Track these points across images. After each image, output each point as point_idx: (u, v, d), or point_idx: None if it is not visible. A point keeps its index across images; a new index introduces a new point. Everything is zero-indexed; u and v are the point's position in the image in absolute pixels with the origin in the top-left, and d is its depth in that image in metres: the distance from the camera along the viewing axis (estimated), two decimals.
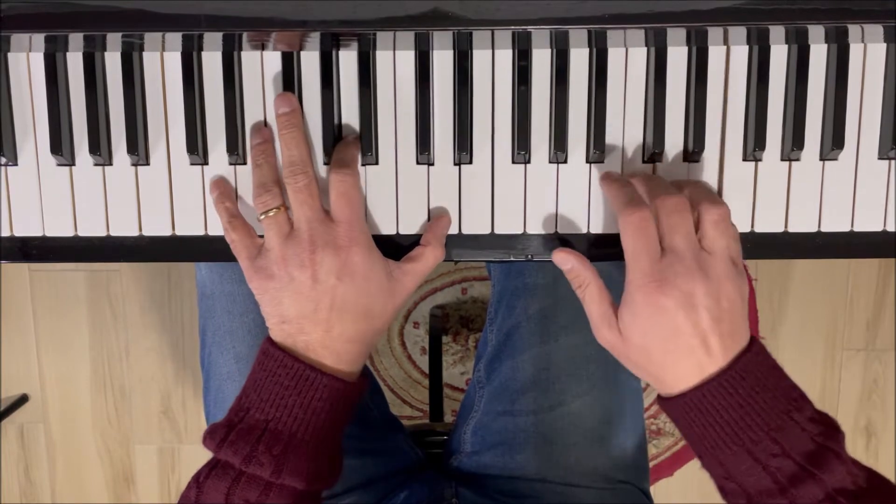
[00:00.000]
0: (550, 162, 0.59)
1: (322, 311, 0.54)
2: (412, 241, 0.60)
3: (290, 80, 0.58)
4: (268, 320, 0.56)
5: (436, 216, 0.60)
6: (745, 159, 0.59)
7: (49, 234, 0.60)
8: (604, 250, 0.59)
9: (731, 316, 0.51)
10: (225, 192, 0.59)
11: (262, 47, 0.58)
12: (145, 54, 0.59)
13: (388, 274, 0.56)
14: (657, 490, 1.56)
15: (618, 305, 0.54)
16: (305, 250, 0.54)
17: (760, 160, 0.59)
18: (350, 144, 0.58)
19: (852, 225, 0.60)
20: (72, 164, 0.60)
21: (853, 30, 0.55)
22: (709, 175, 0.59)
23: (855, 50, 0.58)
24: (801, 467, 0.48)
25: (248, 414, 0.53)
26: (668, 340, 0.51)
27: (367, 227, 0.56)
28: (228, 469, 0.52)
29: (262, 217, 0.55)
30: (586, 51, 0.58)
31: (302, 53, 0.58)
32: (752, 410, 0.49)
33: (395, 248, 0.60)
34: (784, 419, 0.49)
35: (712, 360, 0.51)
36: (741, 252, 0.54)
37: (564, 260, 0.57)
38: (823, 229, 0.60)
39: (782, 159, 0.59)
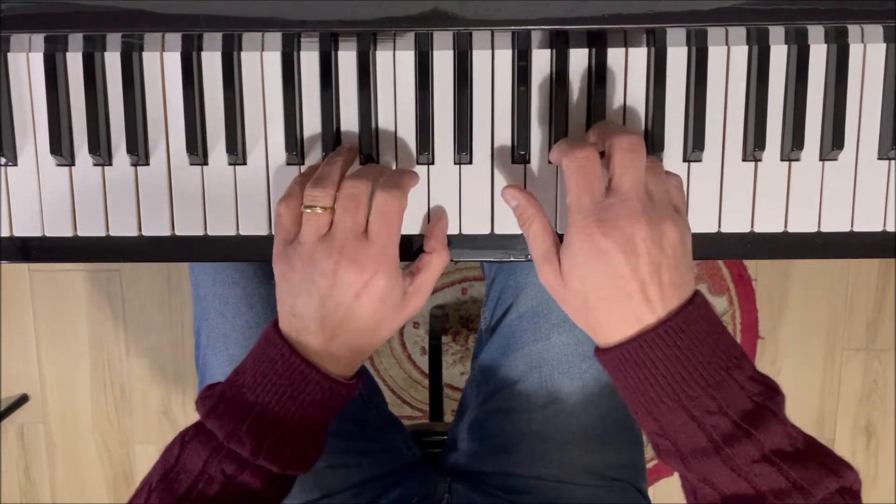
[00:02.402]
0: (550, 162, 0.59)
1: (332, 321, 0.54)
2: (413, 242, 0.60)
3: (289, 80, 0.58)
4: (280, 306, 0.56)
5: (434, 218, 0.60)
6: (745, 159, 0.59)
7: (49, 234, 0.60)
8: None
9: (674, 263, 0.49)
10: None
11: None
12: (145, 54, 0.59)
13: (403, 292, 0.56)
14: (657, 490, 1.56)
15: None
16: (332, 259, 0.53)
17: (760, 160, 0.59)
18: (409, 174, 0.58)
19: (852, 225, 0.60)
20: (71, 164, 0.60)
21: (853, 30, 0.55)
22: (709, 175, 0.59)
23: (855, 50, 0.58)
24: (738, 426, 0.46)
25: (240, 391, 0.54)
26: (605, 285, 0.49)
27: (397, 252, 0.55)
28: (212, 439, 0.53)
29: (306, 210, 0.54)
30: (586, 51, 0.58)
31: (302, 53, 0.58)
32: (690, 365, 0.47)
33: None
34: (723, 376, 0.47)
35: (651, 310, 0.49)
36: (684, 197, 0.54)
37: (512, 196, 0.56)
38: (823, 229, 0.60)
39: (782, 159, 0.59)
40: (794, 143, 0.58)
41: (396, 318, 0.57)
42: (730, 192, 0.59)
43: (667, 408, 0.48)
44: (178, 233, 0.60)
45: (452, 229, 0.60)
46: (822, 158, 0.59)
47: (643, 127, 0.59)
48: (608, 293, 0.49)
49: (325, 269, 0.53)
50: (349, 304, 0.54)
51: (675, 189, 0.53)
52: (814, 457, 0.47)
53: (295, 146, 0.58)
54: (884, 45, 0.58)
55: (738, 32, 0.56)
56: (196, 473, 0.52)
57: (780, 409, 0.48)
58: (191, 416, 1.55)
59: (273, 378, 0.54)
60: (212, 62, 0.58)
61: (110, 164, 0.60)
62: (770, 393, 0.48)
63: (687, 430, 0.48)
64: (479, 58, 0.58)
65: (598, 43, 0.57)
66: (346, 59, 0.58)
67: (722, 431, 0.47)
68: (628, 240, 0.48)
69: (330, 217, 0.54)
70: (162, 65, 0.59)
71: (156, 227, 0.60)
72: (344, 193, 0.54)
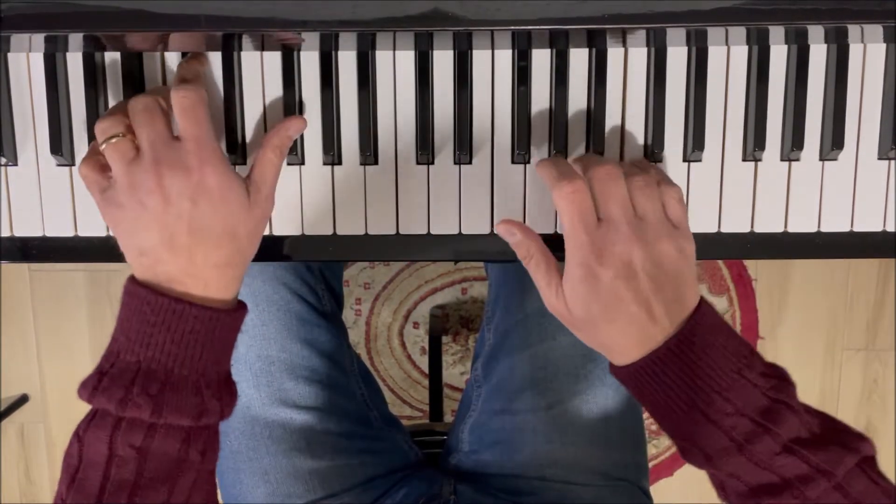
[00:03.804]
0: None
1: (180, 238, 0.50)
2: (412, 242, 0.60)
3: (290, 80, 0.58)
4: (127, 256, 0.53)
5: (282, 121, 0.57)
6: (744, 159, 0.59)
7: (49, 234, 0.60)
8: None
9: (674, 279, 0.51)
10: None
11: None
12: (145, 54, 0.59)
13: (245, 190, 0.53)
14: (657, 490, 1.56)
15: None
16: (151, 174, 0.50)
17: (760, 160, 0.59)
18: (191, 61, 0.56)
19: (852, 225, 0.60)
20: (72, 164, 0.60)
21: (853, 30, 0.55)
22: (709, 175, 0.59)
23: (855, 50, 0.58)
24: (756, 423, 0.48)
25: (118, 358, 0.50)
26: (610, 310, 0.50)
27: (218, 145, 0.52)
28: (107, 416, 0.49)
29: (104, 146, 0.51)
30: (586, 51, 0.58)
31: (302, 53, 0.58)
32: (702, 372, 0.49)
33: (395, 248, 0.60)
34: (735, 378, 0.49)
35: (659, 328, 0.50)
36: (683, 209, 0.54)
37: (509, 231, 0.56)
38: (823, 229, 0.60)
39: (782, 159, 0.59)
40: (794, 143, 0.58)
41: (249, 219, 0.53)
42: (730, 192, 0.59)
43: (686, 415, 0.50)
44: None
45: (452, 229, 0.60)
46: (822, 158, 0.59)
47: (643, 127, 0.59)
48: (613, 316, 0.51)
49: (150, 186, 0.50)
50: (189, 212, 0.50)
51: (674, 202, 0.53)
52: (831, 437, 0.49)
53: (295, 146, 0.58)
54: (884, 45, 0.58)
55: (738, 32, 0.56)
56: (104, 461, 0.49)
57: (794, 398, 0.50)
58: None
59: (147, 329, 0.49)
60: (212, 62, 0.58)
61: None
62: (782, 385, 0.50)
63: (708, 433, 0.49)
64: (479, 58, 0.58)
65: (598, 43, 0.57)
66: (346, 59, 0.58)
67: (742, 431, 0.48)
68: (625, 265, 0.50)
69: (131, 141, 0.51)
70: (162, 65, 0.59)
71: None
72: (133, 111, 0.52)
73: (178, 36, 0.55)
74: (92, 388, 0.49)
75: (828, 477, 0.47)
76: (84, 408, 0.52)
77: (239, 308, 0.54)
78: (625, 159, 0.59)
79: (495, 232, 0.57)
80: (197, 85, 0.53)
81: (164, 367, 0.50)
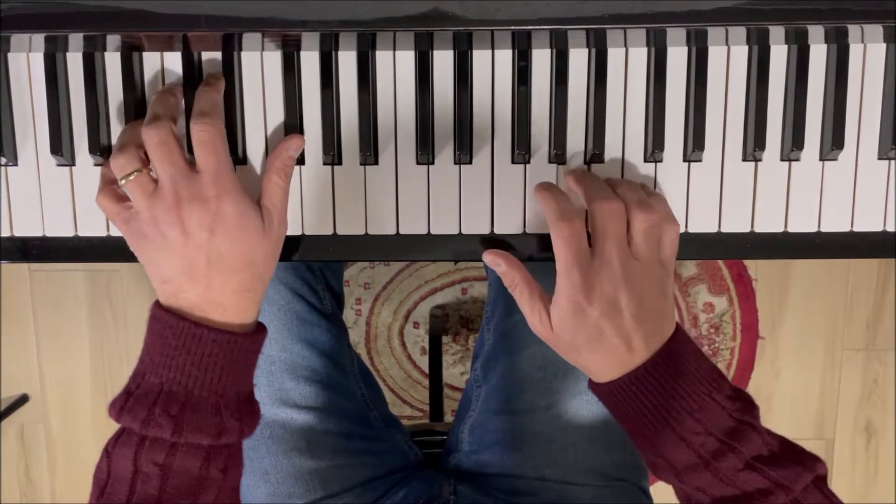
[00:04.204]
0: (550, 162, 0.59)
1: (199, 267, 0.52)
2: (413, 242, 0.60)
3: (290, 80, 0.58)
4: (152, 282, 0.55)
5: (283, 140, 0.58)
6: (745, 159, 0.59)
7: (49, 234, 0.60)
8: None
9: (656, 315, 0.54)
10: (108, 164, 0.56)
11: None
12: (145, 54, 0.59)
13: (260, 217, 0.55)
14: (657, 490, 1.56)
15: (549, 296, 0.56)
16: (171, 207, 0.52)
17: (760, 160, 0.59)
18: (210, 91, 0.57)
19: (852, 225, 0.60)
20: (72, 164, 0.60)
21: (853, 30, 0.55)
22: (709, 175, 0.59)
23: (855, 50, 0.58)
24: (722, 442, 0.52)
25: (143, 379, 0.52)
26: (593, 341, 0.54)
27: (235, 176, 0.54)
28: (132, 435, 0.52)
29: (123, 182, 0.53)
30: (586, 51, 0.58)
31: (302, 53, 0.58)
32: (676, 394, 0.53)
33: (395, 248, 0.60)
34: (705, 400, 0.53)
35: (637, 357, 0.54)
36: (676, 248, 0.56)
37: (495, 262, 0.58)
38: (823, 229, 0.60)
39: (782, 159, 0.59)
40: (794, 143, 0.58)
41: (265, 244, 0.55)
42: (730, 192, 0.59)
43: (657, 431, 0.53)
44: None
45: (452, 229, 0.60)
46: (822, 158, 0.59)
47: (643, 127, 0.59)
48: (595, 347, 0.54)
49: (170, 219, 0.52)
50: (207, 242, 0.52)
51: (669, 241, 0.55)
52: (789, 456, 0.53)
53: None
54: (884, 45, 0.58)
55: (738, 32, 0.56)
56: (130, 476, 0.51)
57: (757, 420, 0.54)
58: None
59: (169, 352, 0.52)
60: (212, 62, 0.58)
61: None
62: (747, 407, 0.54)
63: (678, 450, 0.53)
64: (479, 58, 0.58)
65: (598, 43, 0.57)
66: (346, 59, 0.58)
67: (709, 449, 0.52)
68: (612, 304, 0.53)
69: (148, 175, 0.53)
70: (162, 65, 0.59)
71: None
72: (150, 145, 0.53)
73: (178, 36, 0.55)
74: (119, 407, 0.52)
75: (786, 491, 0.51)
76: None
77: (258, 331, 0.56)
78: (625, 160, 0.59)
79: (483, 260, 0.59)
80: (215, 117, 0.54)
81: (184, 389, 0.52)
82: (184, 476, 0.51)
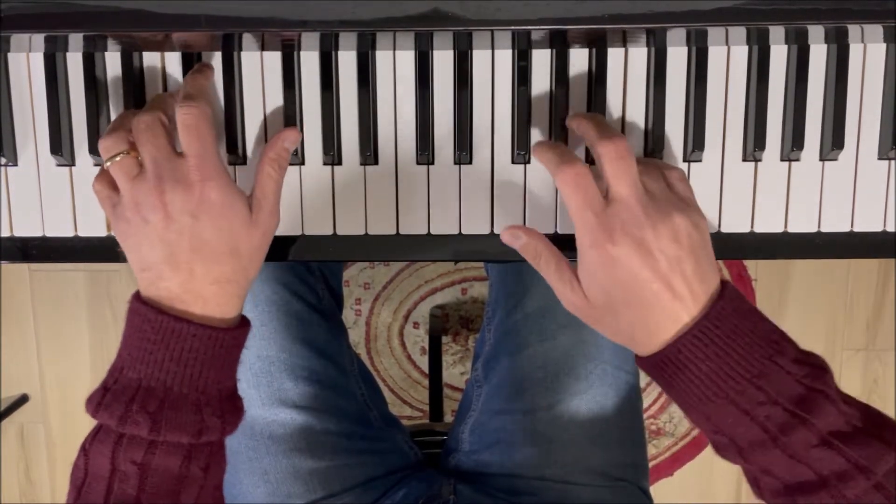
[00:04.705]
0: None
1: (180, 254, 0.50)
2: (413, 242, 0.60)
3: (289, 80, 0.58)
4: (134, 270, 0.53)
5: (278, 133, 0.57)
6: (745, 159, 0.59)
7: (49, 234, 0.60)
8: None
9: (691, 254, 0.49)
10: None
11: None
12: (145, 54, 0.59)
13: (247, 206, 0.53)
14: (657, 490, 1.56)
15: (575, 266, 0.52)
16: (153, 190, 0.50)
17: (760, 160, 0.59)
18: (197, 76, 0.56)
19: (852, 225, 0.60)
20: (72, 164, 0.60)
21: (853, 30, 0.55)
22: (709, 175, 0.59)
23: (855, 50, 0.58)
24: (791, 413, 0.46)
25: (121, 374, 0.50)
26: (629, 292, 0.49)
27: (221, 161, 0.52)
28: (109, 432, 0.50)
29: (108, 164, 0.52)
30: (586, 51, 0.58)
31: (302, 53, 0.58)
32: (731, 359, 0.47)
33: (395, 248, 0.60)
34: (766, 364, 0.47)
35: (682, 305, 0.48)
36: (691, 190, 0.53)
37: (514, 236, 0.55)
38: (823, 229, 0.60)
39: (782, 159, 0.59)
40: (794, 143, 0.58)
41: (251, 235, 0.53)
42: (730, 192, 0.59)
43: (716, 406, 0.48)
44: None
45: (452, 229, 0.60)
46: (822, 158, 0.59)
47: (643, 127, 0.59)
48: (634, 300, 0.49)
49: (152, 202, 0.50)
50: (190, 228, 0.50)
51: (678, 182, 0.53)
52: (872, 432, 0.46)
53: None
54: (884, 45, 0.58)
55: (738, 32, 0.56)
56: (107, 475, 0.49)
57: (831, 387, 0.47)
58: None
59: (147, 347, 0.50)
60: (212, 62, 0.58)
61: None
62: (818, 373, 0.47)
63: (741, 425, 0.47)
64: (479, 58, 0.58)
65: (598, 43, 0.57)
66: (346, 59, 0.58)
67: (776, 421, 0.46)
68: (640, 243, 0.48)
69: (134, 159, 0.52)
70: (162, 65, 0.59)
71: None
72: (136, 129, 0.52)
73: (179, 35, 0.55)
74: (96, 403, 0.50)
75: (867, 475, 0.45)
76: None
77: (241, 326, 0.54)
78: None
79: (501, 240, 0.57)
80: (200, 101, 0.53)
81: (163, 385, 0.50)
82: (163, 475, 0.50)
